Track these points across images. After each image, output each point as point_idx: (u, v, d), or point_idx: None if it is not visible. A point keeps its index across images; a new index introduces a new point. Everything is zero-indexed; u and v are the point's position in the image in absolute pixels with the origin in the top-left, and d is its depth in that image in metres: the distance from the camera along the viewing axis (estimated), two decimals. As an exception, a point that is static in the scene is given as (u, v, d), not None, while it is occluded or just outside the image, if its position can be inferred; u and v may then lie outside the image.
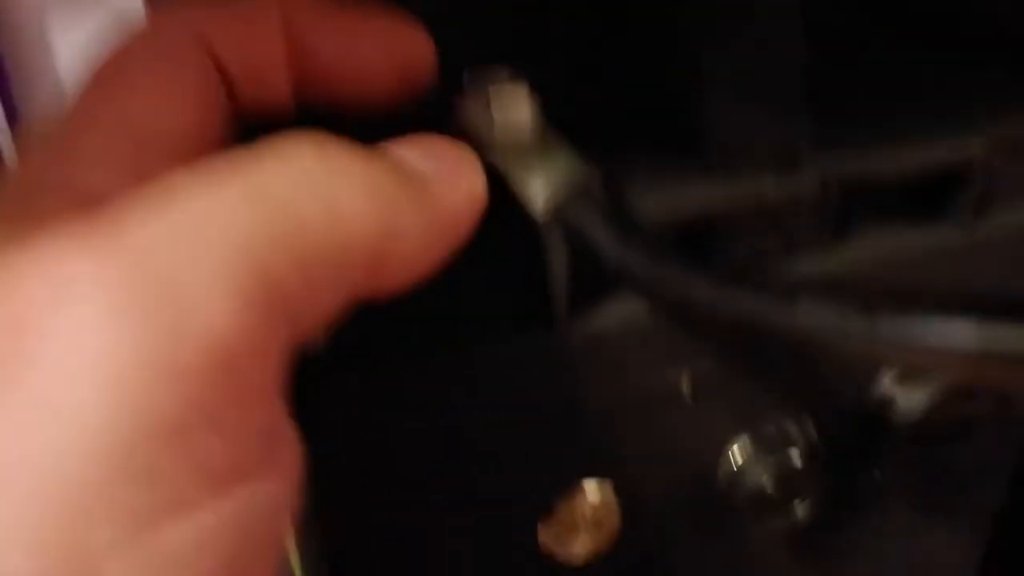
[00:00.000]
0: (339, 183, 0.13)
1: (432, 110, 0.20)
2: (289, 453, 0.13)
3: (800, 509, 0.23)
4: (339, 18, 0.18)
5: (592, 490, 0.21)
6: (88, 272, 0.11)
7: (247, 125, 0.18)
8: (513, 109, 0.19)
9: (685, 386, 0.21)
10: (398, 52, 0.19)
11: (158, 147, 0.15)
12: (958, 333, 0.11)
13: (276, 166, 0.13)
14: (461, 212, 0.15)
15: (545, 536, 0.21)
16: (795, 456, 0.22)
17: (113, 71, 0.16)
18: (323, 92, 0.18)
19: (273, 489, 0.12)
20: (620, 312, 0.19)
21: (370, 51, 0.18)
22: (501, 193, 0.18)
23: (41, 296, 0.11)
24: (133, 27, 0.17)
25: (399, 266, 0.14)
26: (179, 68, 0.16)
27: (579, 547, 0.21)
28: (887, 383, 0.23)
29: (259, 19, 0.17)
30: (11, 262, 0.11)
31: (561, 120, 0.19)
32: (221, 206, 0.12)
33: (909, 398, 0.23)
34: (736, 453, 0.22)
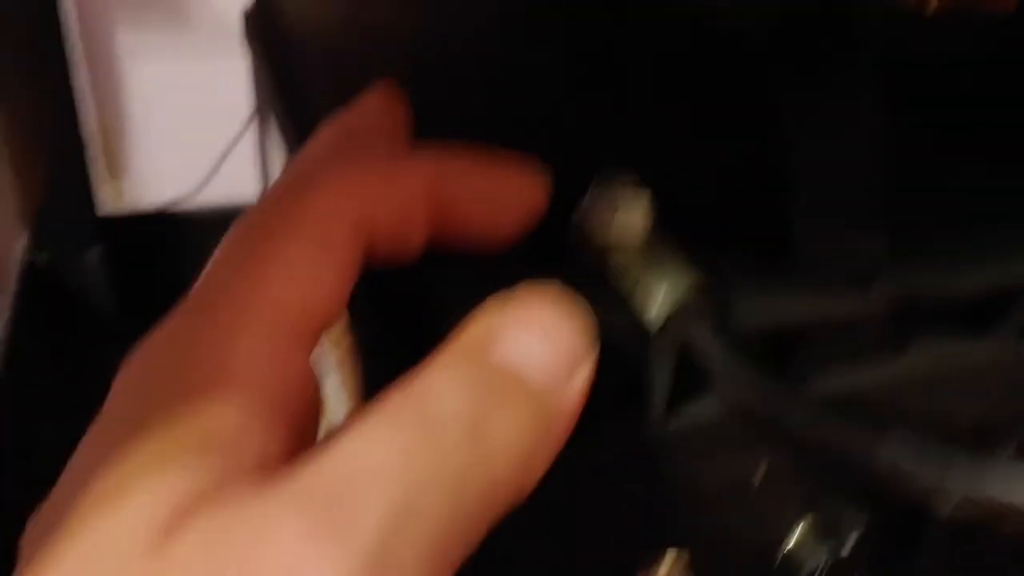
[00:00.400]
0: (496, 433, 0.14)
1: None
2: None
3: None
4: (478, 175, 0.19)
5: (669, 560, 0.23)
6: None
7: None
8: (635, 214, 0.21)
9: (756, 476, 0.23)
10: (526, 198, 0.20)
11: (296, 323, 0.16)
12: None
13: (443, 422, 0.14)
14: (575, 406, 0.16)
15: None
16: (848, 542, 0.24)
17: (268, 250, 0.17)
18: (452, 240, 0.19)
19: None
20: (704, 410, 0.21)
21: (503, 202, 0.19)
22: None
23: None
24: (289, 202, 0.18)
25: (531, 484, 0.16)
26: (332, 255, 0.17)
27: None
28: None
29: (407, 185, 0.18)
30: (248, 553, 0.13)
31: (667, 225, 0.21)
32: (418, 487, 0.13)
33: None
34: (795, 537, 0.24)
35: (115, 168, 1.25)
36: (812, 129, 0.21)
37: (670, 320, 0.19)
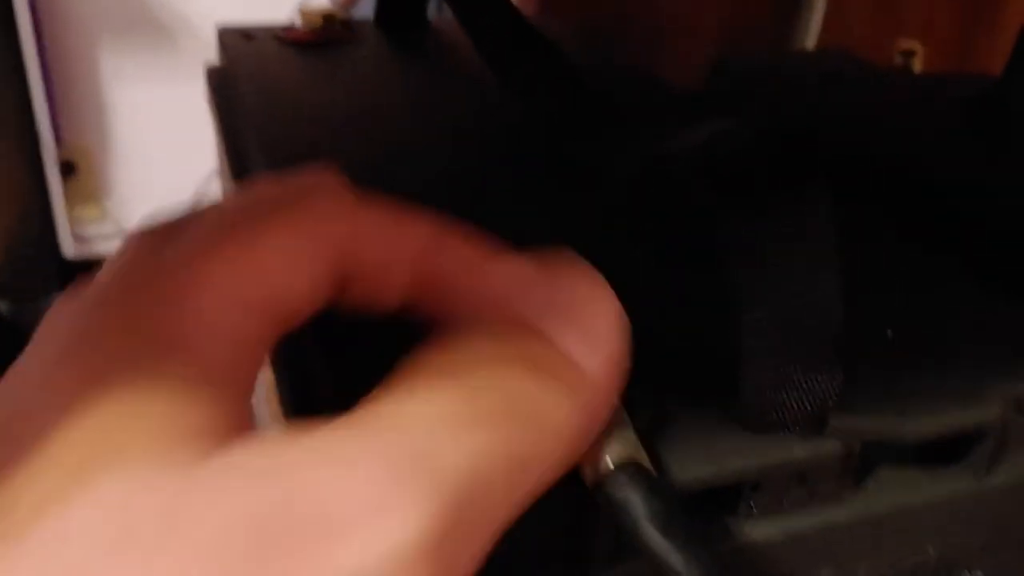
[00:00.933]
0: (556, 414, 0.16)
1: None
2: None
3: None
4: (468, 260, 0.18)
5: None
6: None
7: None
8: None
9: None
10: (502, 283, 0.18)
11: (263, 315, 0.16)
12: None
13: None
14: (611, 384, 0.17)
15: None
16: None
17: (252, 237, 0.16)
18: (425, 311, 0.18)
19: None
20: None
21: (482, 284, 0.18)
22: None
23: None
24: (289, 197, 0.17)
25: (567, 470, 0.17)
26: (317, 261, 0.16)
27: None
28: None
29: (404, 236, 0.17)
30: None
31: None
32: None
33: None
34: None
35: (95, 190, 1.24)
36: (761, 269, 0.20)
37: (606, 478, 0.18)
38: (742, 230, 0.20)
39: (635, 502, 0.18)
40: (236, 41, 0.45)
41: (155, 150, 1.17)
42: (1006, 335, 0.25)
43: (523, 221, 0.28)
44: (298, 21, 0.47)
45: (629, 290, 0.26)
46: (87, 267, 0.79)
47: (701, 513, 0.21)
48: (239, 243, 0.16)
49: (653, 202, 0.28)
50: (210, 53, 0.48)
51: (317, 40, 0.46)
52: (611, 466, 0.18)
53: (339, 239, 0.17)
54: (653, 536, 0.17)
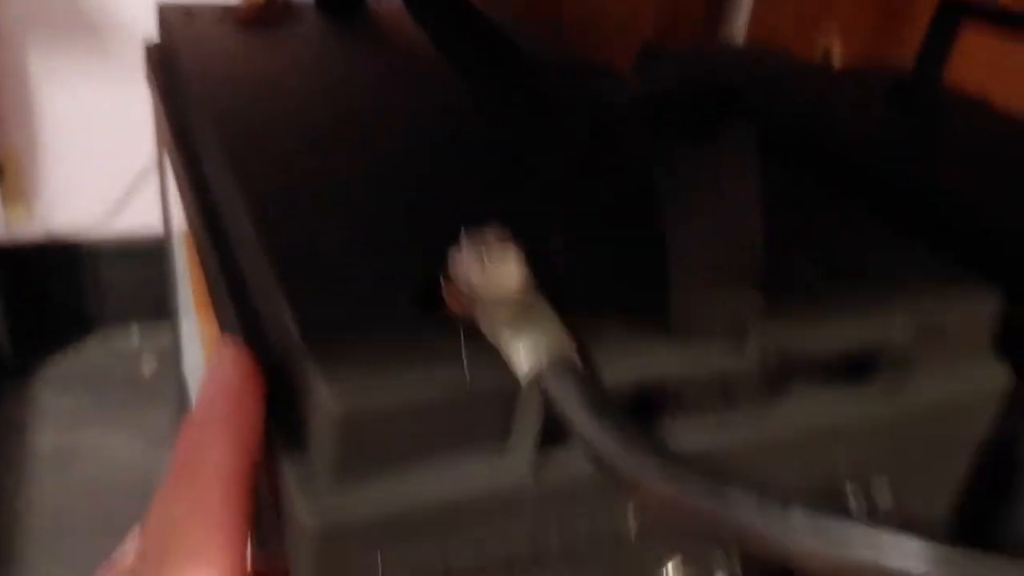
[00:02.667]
0: None
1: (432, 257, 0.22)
2: None
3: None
4: None
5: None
6: None
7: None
8: (505, 268, 0.21)
9: (631, 520, 0.23)
10: None
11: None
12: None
13: None
14: None
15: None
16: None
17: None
18: None
19: None
20: (573, 461, 0.22)
21: None
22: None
23: None
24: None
25: None
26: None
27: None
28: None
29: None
30: None
31: (540, 276, 0.22)
32: None
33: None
34: (668, 573, 0.25)
35: (24, 192, 1.22)
36: (687, 187, 0.22)
37: (537, 374, 0.19)
38: (675, 161, 0.22)
39: (570, 393, 0.19)
40: (176, 18, 0.45)
41: (85, 151, 1.16)
42: (915, 265, 0.27)
43: (466, 196, 0.29)
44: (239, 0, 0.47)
45: (555, 207, 0.27)
46: (14, 253, 0.78)
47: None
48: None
49: (596, 146, 0.30)
50: (139, 56, 0.48)
51: (258, 19, 0.46)
52: (544, 362, 0.19)
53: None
54: (584, 421, 0.18)
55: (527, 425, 0.21)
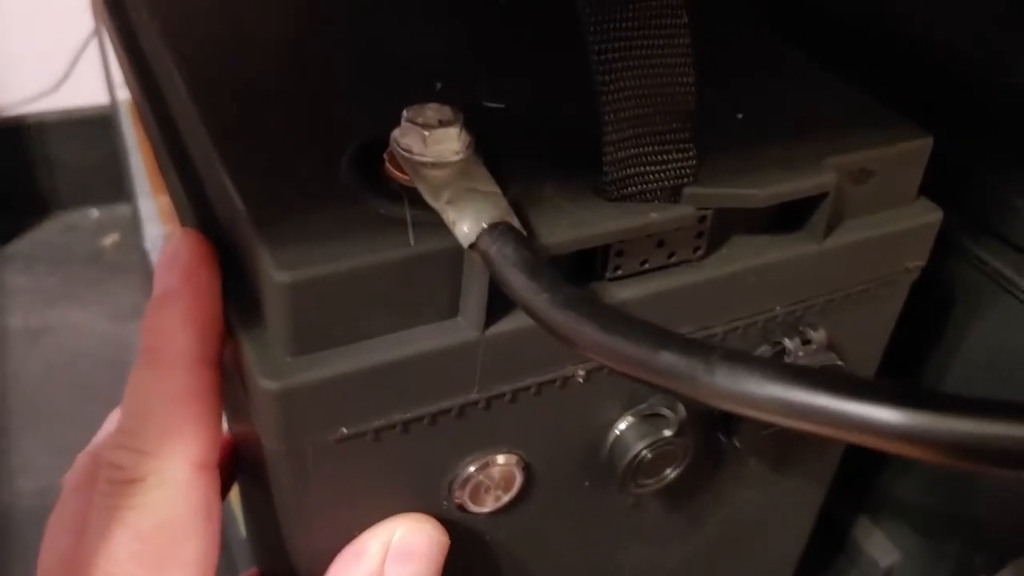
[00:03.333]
0: None
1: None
2: None
3: (672, 472, 0.27)
4: None
5: (501, 459, 0.25)
6: None
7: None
8: (447, 137, 0.22)
9: (580, 375, 0.24)
10: None
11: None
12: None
13: None
14: None
15: (460, 496, 0.25)
16: (669, 431, 0.26)
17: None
18: None
19: None
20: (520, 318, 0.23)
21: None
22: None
23: None
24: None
25: None
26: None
27: (489, 504, 0.25)
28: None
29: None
30: None
31: (480, 141, 0.22)
32: None
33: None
34: (621, 429, 0.26)
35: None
36: (622, 59, 0.22)
37: (479, 236, 0.20)
38: (607, 25, 0.22)
39: (505, 254, 0.20)
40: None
41: (23, 31, 1.12)
42: (842, 112, 0.28)
43: (406, 57, 0.29)
44: None
45: (494, 75, 0.27)
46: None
47: (570, 276, 0.23)
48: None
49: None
50: None
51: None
52: (484, 225, 0.20)
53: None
54: (520, 281, 0.19)
55: (473, 286, 0.22)
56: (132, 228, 0.73)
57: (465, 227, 0.20)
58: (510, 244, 0.20)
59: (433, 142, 0.22)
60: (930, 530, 0.36)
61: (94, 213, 0.82)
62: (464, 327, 0.22)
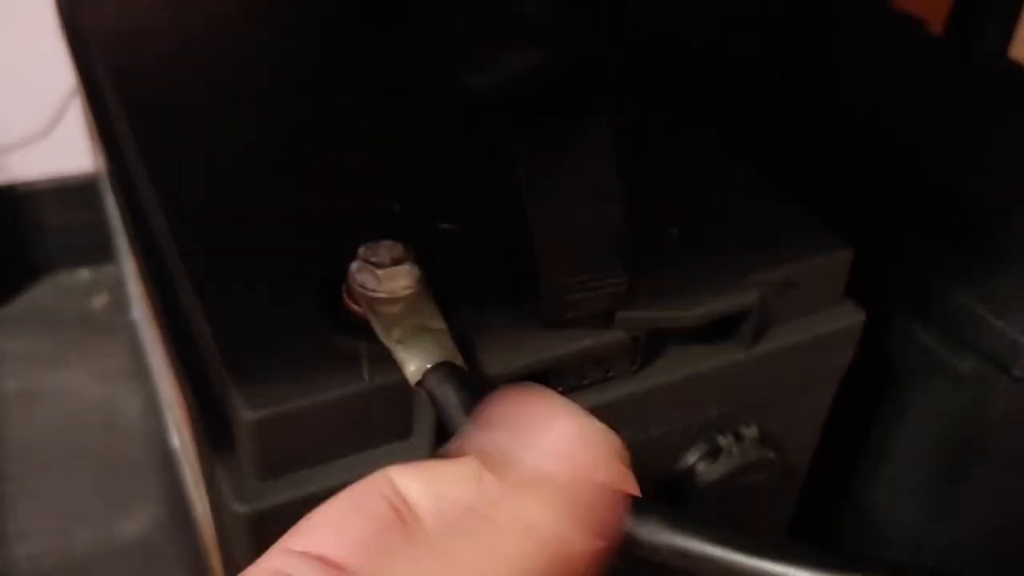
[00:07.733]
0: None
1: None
2: None
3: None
4: None
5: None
6: None
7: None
8: (399, 276, 0.24)
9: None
10: None
11: None
12: None
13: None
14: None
15: None
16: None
17: None
18: None
19: None
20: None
21: None
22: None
23: None
24: None
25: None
26: None
27: None
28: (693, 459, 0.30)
29: None
30: None
31: (430, 276, 0.25)
32: None
33: (709, 471, 0.30)
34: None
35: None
36: (552, 189, 0.24)
37: (424, 376, 0.22)
38: (535, 156, 0.24)
39: (448, 395, 0.22)
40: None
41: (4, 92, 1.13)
42: (770, 222, 0.30)
43: (363, 142, 0.31)
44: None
45: (443, 213, 0.29)
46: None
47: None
48: None
49: (467, 129, 0.32)
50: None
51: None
52: (428, 366, 0.22)
53: None
54: (462, 422, 0.21)
55: (423, 414, 0.24)
56: (121, 288, 0.75)
57: (412, 367, 0.23)
58: (451, 386, 0.22)
59: (386, 279, 0.24)
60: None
61: (84, 274, 0.84)
62: (418, 447, 0.25)
